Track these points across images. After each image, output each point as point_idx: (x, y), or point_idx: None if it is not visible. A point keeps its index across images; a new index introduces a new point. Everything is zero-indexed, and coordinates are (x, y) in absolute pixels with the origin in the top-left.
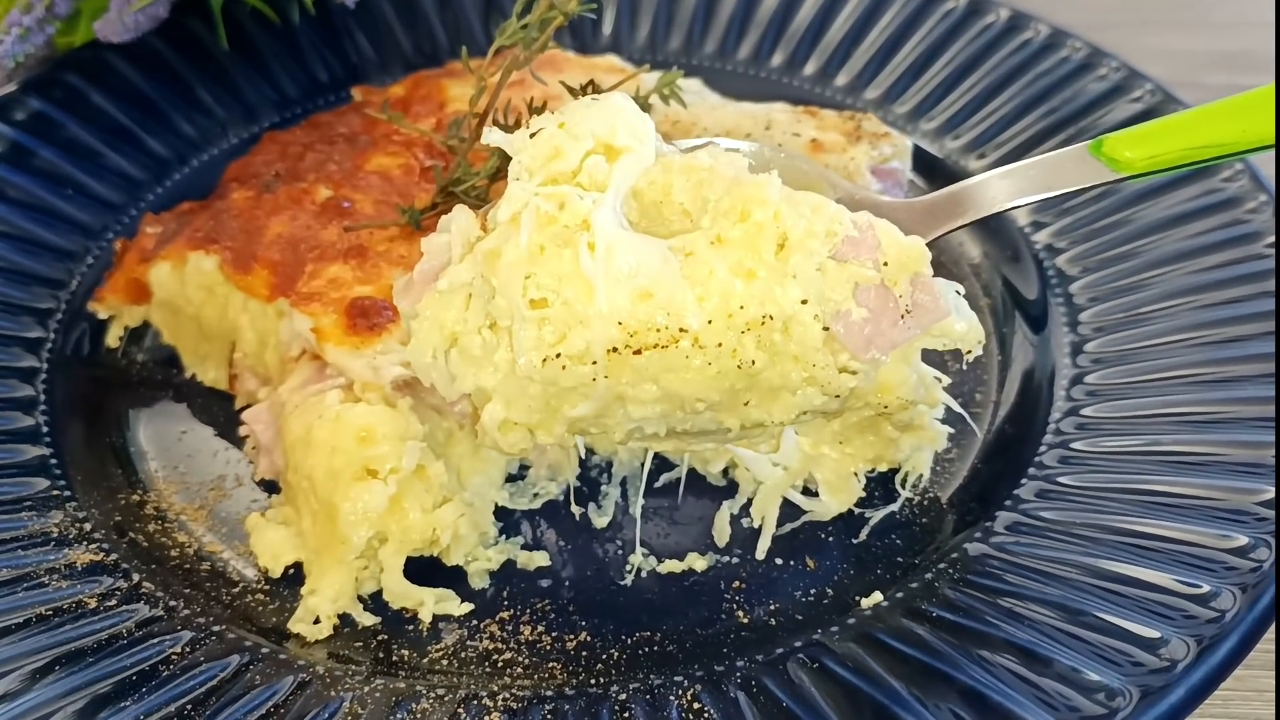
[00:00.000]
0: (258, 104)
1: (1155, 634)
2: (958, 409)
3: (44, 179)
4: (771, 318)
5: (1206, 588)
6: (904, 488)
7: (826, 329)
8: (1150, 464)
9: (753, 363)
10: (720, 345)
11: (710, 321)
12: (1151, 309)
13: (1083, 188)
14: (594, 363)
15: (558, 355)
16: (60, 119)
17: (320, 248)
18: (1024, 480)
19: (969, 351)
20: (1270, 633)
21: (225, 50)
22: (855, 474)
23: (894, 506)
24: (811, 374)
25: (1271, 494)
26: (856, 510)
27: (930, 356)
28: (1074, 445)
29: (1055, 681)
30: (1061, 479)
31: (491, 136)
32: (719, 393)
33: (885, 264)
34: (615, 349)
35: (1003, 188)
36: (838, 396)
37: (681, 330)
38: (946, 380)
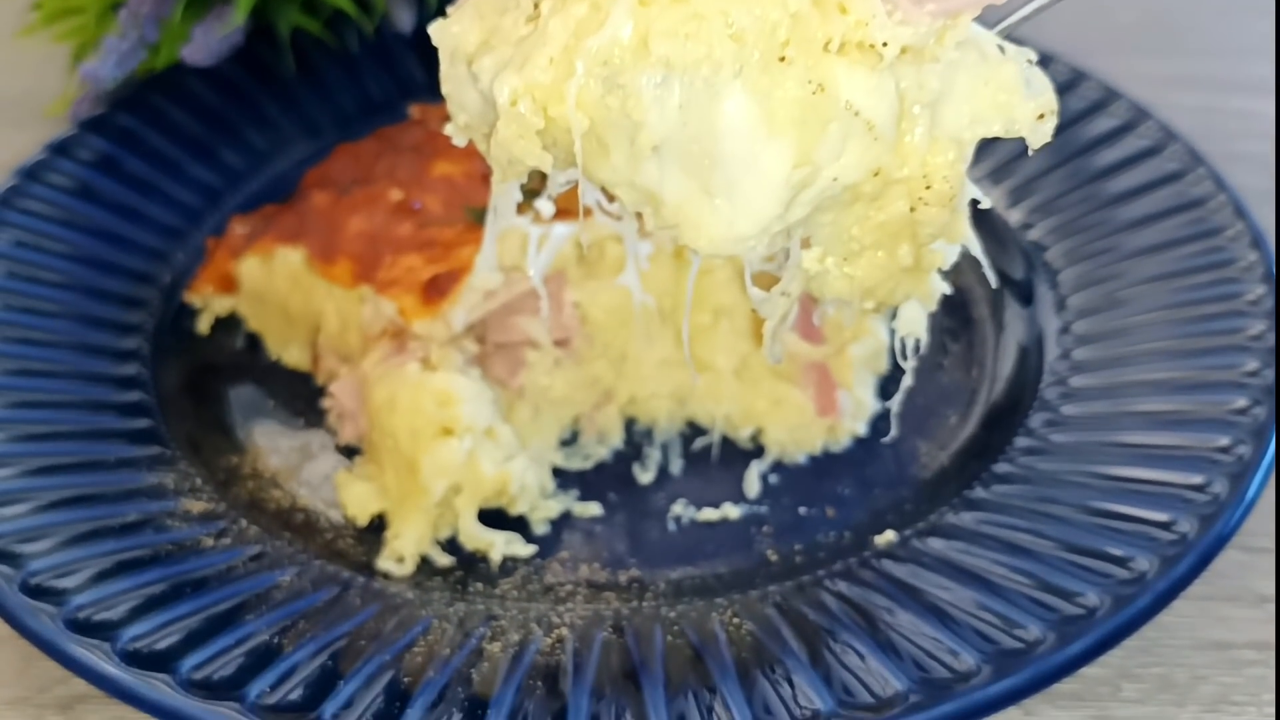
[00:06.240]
0: (320, 121)
1: (1127, 553)
2: (978, 252)
3: (133, 185)
4: None
5: (1169, 516)
6: (904, 359)
7: None
8: (1127, 420)
9: None
10: None
11: None
12: (1129, 290)
13: None
14: None
15: None
16: (144, 133)
17: (396, 242)
18: (1016, 438)
19: (1042, 118)
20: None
21: (292, 74)
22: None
23: (908, 382)
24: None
25: (1226, 441)
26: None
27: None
28: (1062, 409)
29: (1045, 593)
30: (1051, 436)
31: None
32: (750, 15)
33: None
34: None
35: None
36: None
37: None
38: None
